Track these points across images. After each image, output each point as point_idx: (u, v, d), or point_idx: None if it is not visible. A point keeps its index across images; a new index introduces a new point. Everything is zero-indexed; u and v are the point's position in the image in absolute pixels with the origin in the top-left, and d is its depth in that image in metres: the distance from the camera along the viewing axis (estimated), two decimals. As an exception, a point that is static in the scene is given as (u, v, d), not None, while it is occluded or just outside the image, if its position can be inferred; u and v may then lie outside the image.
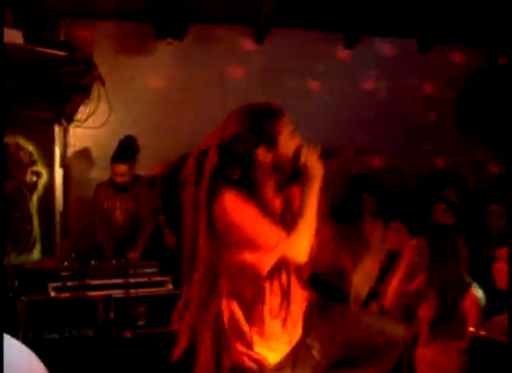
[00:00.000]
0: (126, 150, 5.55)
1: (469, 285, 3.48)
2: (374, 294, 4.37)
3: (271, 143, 2.29)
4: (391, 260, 4.44)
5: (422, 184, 6.63)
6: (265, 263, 2.21)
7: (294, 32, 6.44)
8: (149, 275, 4.61)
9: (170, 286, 4.58)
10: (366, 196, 5.39)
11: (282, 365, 2.31)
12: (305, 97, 6.38)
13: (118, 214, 5.49)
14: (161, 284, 4.61)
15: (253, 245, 2.20)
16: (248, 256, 2.21)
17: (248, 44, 6.42)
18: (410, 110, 6.95)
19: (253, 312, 2.32)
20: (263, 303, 2.32)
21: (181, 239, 2.36)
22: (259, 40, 6.40)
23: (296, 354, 2.34)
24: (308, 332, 2.39)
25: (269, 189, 2.35)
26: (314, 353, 2.35)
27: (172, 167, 5.77)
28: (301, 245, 2.24)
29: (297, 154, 2.30)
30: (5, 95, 3.75)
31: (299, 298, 2.44)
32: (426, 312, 3.48)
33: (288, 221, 2.32)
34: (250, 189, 2.29)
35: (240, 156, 2.28)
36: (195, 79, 6.27)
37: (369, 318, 2.59)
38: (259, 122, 2.30)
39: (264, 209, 2.28)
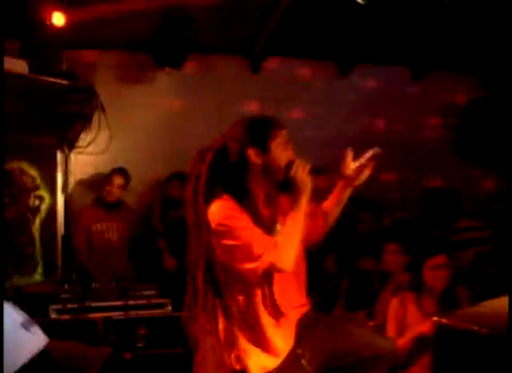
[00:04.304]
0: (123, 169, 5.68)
1: None
2: (369, 312, 4.42)
3: (263, 147, 2.40)
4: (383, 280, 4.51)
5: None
6: (257, 270, 2.28)
7: (289, 61, 6.60)
8: (148, 297, 4.65)
9: (170, 308, 4.63)
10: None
11: None
12: (299, 125, 6.43)
13: (112, 235, 5.53)
14: (160, 306, 4.65)
15: (247, 252, 2.28)
16: (243, 263, 2.29)
17: (244, 73, 6.55)
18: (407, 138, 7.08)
19: (248, 320, 2.40)
20: (257, 310, 2.40)
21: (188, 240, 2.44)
22: (255, 69, 6.56)
23: (287, 363, 2.39)
24: (300, 342, 2.44)
25: (260, 199, 2.45)
26: (304, 362, 2.40)
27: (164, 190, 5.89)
28: (288, 253, 2.31)
29: (289, 166, 2.39)
30: (3, 100, 3.83)
31: (296, 307, 2.50)
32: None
33: (274, 230, 2.41)
34: (242, 196, 2.39)
35: (233, 156, 2.42)
36: (193, 107, 6.39)
37: (359, 331, 2.60)
38: (255, 128, 2.44)
39: (255, 217, 2.37)
